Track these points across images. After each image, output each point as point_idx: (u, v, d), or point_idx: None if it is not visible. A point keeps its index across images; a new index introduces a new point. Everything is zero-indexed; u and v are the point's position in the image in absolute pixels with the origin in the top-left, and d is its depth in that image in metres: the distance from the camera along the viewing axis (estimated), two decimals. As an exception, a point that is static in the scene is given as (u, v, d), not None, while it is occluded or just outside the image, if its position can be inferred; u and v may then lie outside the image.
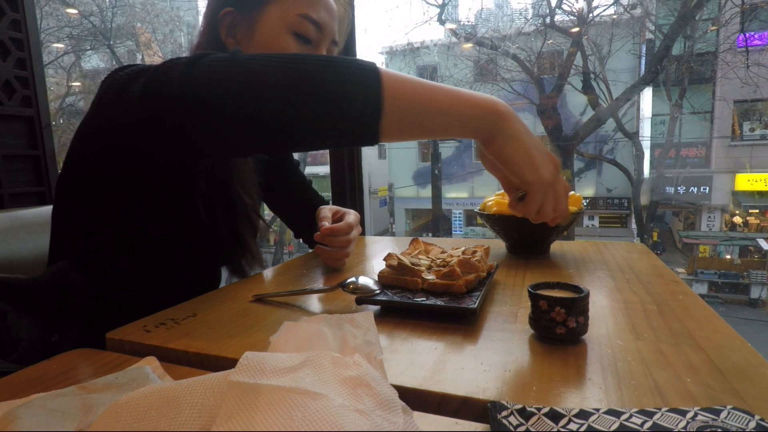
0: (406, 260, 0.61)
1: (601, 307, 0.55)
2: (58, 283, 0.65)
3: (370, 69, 0.46)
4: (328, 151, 1.52)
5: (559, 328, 0.43)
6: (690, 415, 0.30)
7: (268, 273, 0.81)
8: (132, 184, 0.62)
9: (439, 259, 0.66)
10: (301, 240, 1.03)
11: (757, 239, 8.35)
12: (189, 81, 0.47)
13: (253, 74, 0.46)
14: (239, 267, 0.77)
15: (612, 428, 0.29)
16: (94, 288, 0.67)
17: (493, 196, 0.89)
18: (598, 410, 0.31)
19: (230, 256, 0.76)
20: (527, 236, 0.82)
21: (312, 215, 0.90)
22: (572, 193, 0.82)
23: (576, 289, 0.47)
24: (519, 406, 0.32)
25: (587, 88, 7.03)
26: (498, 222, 0.84)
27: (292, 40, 0.67)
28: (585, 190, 10.02)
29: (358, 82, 0.46)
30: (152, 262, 0.68)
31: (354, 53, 1.46)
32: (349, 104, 0.45)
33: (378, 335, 0.45)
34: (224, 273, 0.82)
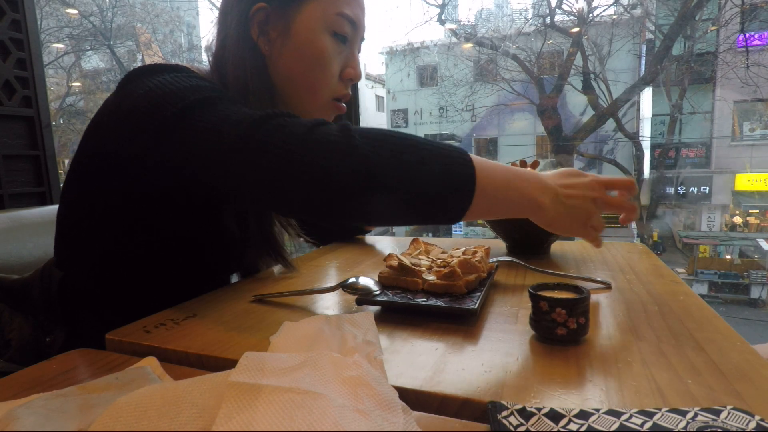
0: (407, 261, 0.61)
1: (602, 307, 0.55)
2: (44, 282, 0.65)
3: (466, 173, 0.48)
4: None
5: (560, 329, 0.43)
6: (690, 415, 0.30)
7: (268, 273, 0.81)
8: (147, 195, 0.61)
9: (439, 259, 0.66)
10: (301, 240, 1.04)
11: (757, 239, 8.35)
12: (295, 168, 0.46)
13: (369, 177, 0.45)
14: (252, 269, 0.77)
15: (612, 428, 0.29)
16: (96, 290, 0.66)
17: None
18: (598, 410, 0.31)
19: (257, 261, 0.76)
20: (528, 237, 0.82)
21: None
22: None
23: (577, 290, 0.47)
24: (519, 407, 0.32)
25: (587, 88, 7.03)
26: (498, 222, 0.84)
27: (330, 40, 0.66)
28: (585, 190, 10.00)
29: (455, 188, 0.48)
30: (161, 266, 0.67)
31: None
32: (443, 210, 0.48)
33: (378, 335, 0.45)
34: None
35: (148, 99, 0.53)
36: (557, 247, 0.92)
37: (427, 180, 0.46)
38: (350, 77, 0.69)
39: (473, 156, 0.50)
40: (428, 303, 0.53)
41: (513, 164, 0.90)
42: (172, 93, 0.52)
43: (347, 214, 0.49)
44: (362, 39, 0.72)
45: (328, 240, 1.06)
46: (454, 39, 8.70)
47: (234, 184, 0.49)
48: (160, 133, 0.51)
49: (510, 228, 0.83)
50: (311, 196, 0.46)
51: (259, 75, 0.65)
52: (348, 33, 0.67)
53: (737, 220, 9.35)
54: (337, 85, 0.68)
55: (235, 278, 0.81)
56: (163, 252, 0.66)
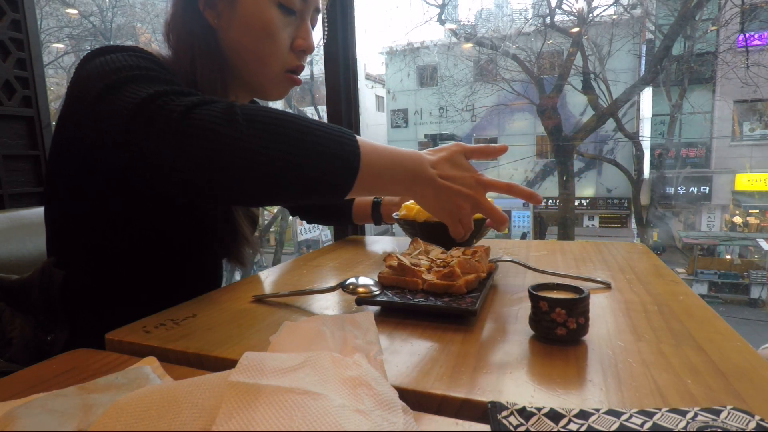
0: (406, 261, 0.61)
1: (602, 307, 0.55)
2: (44, 282, 0.65)
3: (351, 151, 0.50)
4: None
5: (559, 329, 0.43)
6: (690, 415, 0.30)
7: (268, 273, 0.81)
8: (122, 184, 0.62)
9: (439, 259, 0.66)
10: (298, 220, 1.07)
11: (757, 239, 8.35)
12: (182, 144, 0.46)
13: (249, 154, 0.46)
14: (239, 257, 0.76)
15: (612, 428, 0.29)
16: (92, 287, 0.67)
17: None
18: (598, 410, 0.31)
19: (229, 248, 0.75)
20: (437, 239, 0.78)
21: (330, 207, 1.03)
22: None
23: (576, 290, 0.47)
24: (519, 407, 0.32)
25: (587, 88, 7.03)
26: (405, 225, 0.84)
27: (277, 12, 0.65)
28: (585, 190, 10.02)
29: (338, 161, 0.50)
30: (151, 258, 0.68)
31: (354, 53, 1.46)
32: (328, 182, 0.50)
33: (378, 335, 0.45)
34: (224, 274, 0.82)
35: (83, 82, 0.54)
36: (557, 247, 0.92)
37: (311, 161, 0.47)
38: (301, 48, 0.68)
39: (360, 138, 0.52)
40: (428, 303, 0.53)
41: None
42: (99, 74, 0.52)
43: (234, 200, 0.53)
44: (317, 11, 0.71)
45: (313, 220, 1.08)
46: (454, 39, 8.70)
47: (134, 162, 0.49)
48: (85, 114, 0.53)
49: (414, 232, 0.82)
50: (199, 182, 0.47)
51: (207, 47, 0.64)
52: (296, 4, 0.66)
53: (737, 220, 9.35)
54: (288, 56, 0.68)
55: (236, 276, 0.81)
56: (148, 245, 0.66)
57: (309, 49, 0.69)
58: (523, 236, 9.79)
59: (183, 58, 0.64)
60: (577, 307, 0.43)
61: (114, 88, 0.50)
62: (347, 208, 1.04)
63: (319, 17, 0.74)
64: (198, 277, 0.75)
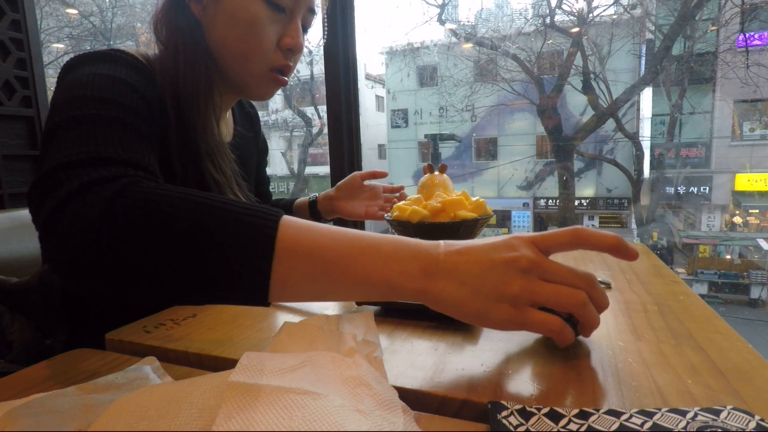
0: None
1: (601, 307, 0.55)
2: (43, 286, 0.65)
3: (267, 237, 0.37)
4: (328, 151, 1.53)
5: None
6: (690, 415, 0.30)
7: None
8: None
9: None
10: None
11: (757, 239, 8.35)
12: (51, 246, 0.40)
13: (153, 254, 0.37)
14: None
15: (612, 428, 0.29)
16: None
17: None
18: (598, 410, 0.31)
19: None
20: (431, 240, 0.78)
21: None
22: (477, 198, 0.82)
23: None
24: (519, 407, 0.32)
25: (587, 88, 7.03)
26: (399, 227, 0.83)
27: (264, 8, 0.62)
28: (585, 190, 10.02)
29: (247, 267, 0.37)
30: None
31: (354, 53, 1.46)
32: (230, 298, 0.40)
33: (378, 335, 0.45)
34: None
35: (51, 104, 0.53)
36: (557, 247, 0.92)
37: (201, 271, 0.37)
38: (288, 46, 0.65)
39: (290, 225, 0.38)
40: (428, 303, 0.53)
41: (428, 167, 0.88)
42: (55, 105, 0.51)
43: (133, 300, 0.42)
44: (311, 11, 0.69)
45: None
46: (454, 39, 8.70)
47: None
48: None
49: (408, 232, 0.81)
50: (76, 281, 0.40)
51: (192, 41, 0.63)
52: (285, 2, 0.64)
53: (737, 220, 9.35)
54: (274, 54, 0.65)
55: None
56: None
57: (297, 48, 0.66)
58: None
59: (168, 53, 0.63)
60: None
61: (47, 136, 0.48)
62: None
63: (318, 18, 0.72)
64: None
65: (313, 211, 0.96)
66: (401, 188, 0.87)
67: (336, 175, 1.47)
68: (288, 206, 1.00)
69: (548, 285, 0.37)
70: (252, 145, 0.89)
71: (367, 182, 0.90)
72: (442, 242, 0.40)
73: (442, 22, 7.61)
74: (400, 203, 0.86)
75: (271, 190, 1.03)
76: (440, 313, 0.39)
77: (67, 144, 0.45)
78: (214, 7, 0.63)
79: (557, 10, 7.10)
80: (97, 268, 0.38)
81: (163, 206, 0.37)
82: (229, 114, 0.82)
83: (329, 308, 0.58)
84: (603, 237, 0.38)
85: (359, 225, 1.47)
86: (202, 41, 0.64)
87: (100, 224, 0.37)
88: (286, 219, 0.38)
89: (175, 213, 0.37)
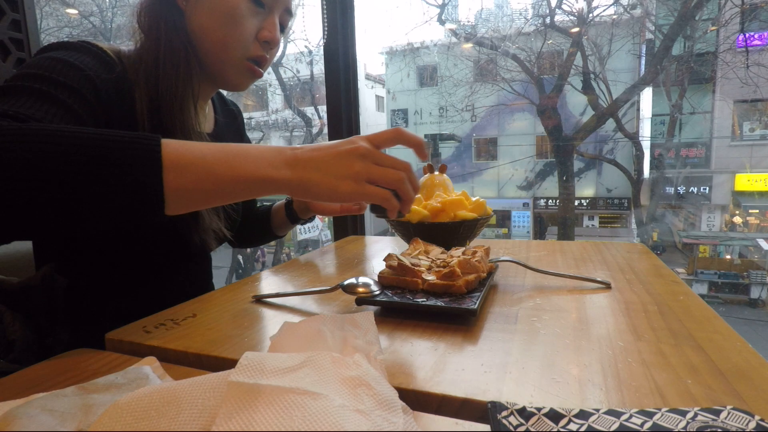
0: (406, 261, 0.61)
1: (602, 307, 0.55)
2: (45, 287, 0.65)
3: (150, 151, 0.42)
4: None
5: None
6: (690, 415, 0.30)
7: (268, 273, 0.81)
8: None
9: (439, 259, 0.66)
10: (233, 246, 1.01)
11: (757, 239, 8.34)
12: None
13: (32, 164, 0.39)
14: (204, 242, 0.72)
15: (612, 428, 0.29)
16: (84, 288, 0.67)
17: None
18: (598, 410, 0.31)
19: (191, 233, 0.70)
20: (431, 240, 0.77)
21: (255, 226, 0.96)
22: (476, 198, 0.82)
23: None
24: (519, 406, 0.32)
25: (587, 88, 7.02)
26: (398, 227, 0.83)
27: (245, 0, 0.65)
28: (585, 190, 10.02)
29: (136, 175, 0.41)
30: (134, 255, 0.68)
31: (354, 53, 1.46)
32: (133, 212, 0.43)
33: (378, 335, 0.45)
34: (224, 272, 0.82)
35: None
36: (557, 247, 0.92)
37: (96, 185, 0.40)
38: (266, 39, 0.68)
39: (170, 142, 0.43)
40: (428, 303, 0.53)
41: (428, 167, 0.89)
42: (9, 77, 0.54)
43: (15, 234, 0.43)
44: (288, 12, 0.72)
45: (244, 244, 1.03)
46: (454, 39, 8.70)
47: None
48: None
49: (408, 232, 0.82)
50: None
51: (174, 29, 0.65)
52: None
53: (737, 220, 9.34)
54: (252, 45, 0.68)
55: (228, 277, 0.81)
56: (122, 237, 0.66)
57: (273, 41, 0.69)
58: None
59: (150, 40, 0.65)
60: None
61: None
62: (267, 223, 0.99)
63: (297, 19, 0.74)
64: (184, 262, 0.75)
65: (289, 211, 0.96)
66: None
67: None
68: (268, 210, 1.00)
69: (380, 168, 0.48)
70: (234, 140, 0.90)
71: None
72: (298, 145, 0.50)
73: (442, 22, 7.61)
74: None
75: None
76: (314, 205, 0.59)
77: None
78: None
79: (557, 10, 7.10)
80: None
81: (40, 139, 0.40)
82: (209, 106, 0.83)
83: (329, 308, 0.58)
84: (413, 137, 0.52)
85: (359, 225, 1.47)
86: (183, 28, 0.66)
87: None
88: (166, 139, 0.44)
89: (56, 146, 0.40)
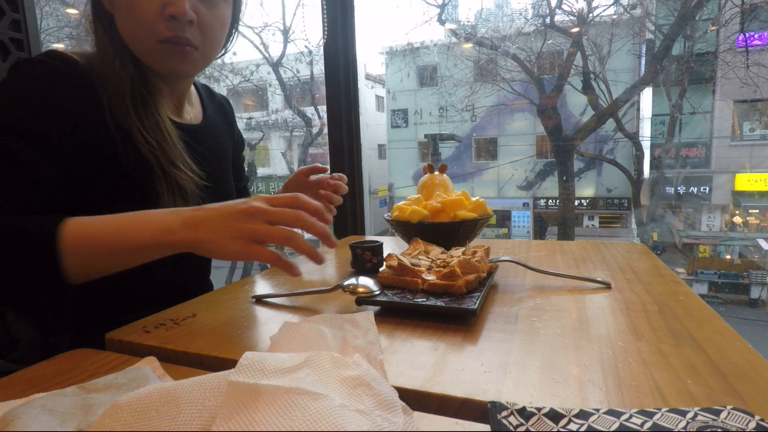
0: (407, 261, 0.61)
1: (602, 307, 0.55)
2: None
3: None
4: (328, 151, 1.53)
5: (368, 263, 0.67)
6: (690, 415, 0.30)
7: (268, 273, 0.81)
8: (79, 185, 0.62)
9: (439, 259, 0.66)
10: None
11: (757, 239, 8.34)
12: None
13: None
14: None
15: (612, 428, 0.29)
16: (85, 288, 0.67)
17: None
18: (598, 410, 0.31)
19: None
20: (431, 240, 0.78)
21: None
22: (476, 198, 0.82)
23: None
24: (519, 406, 0.32)
25: (587, 88, 7.02)
26: (399, 227, 0.83)
27: None
28: (585, 190, 10.01)
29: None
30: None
31: (354, 53, 1.46)
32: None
33: (378, 335, 0.45)
34: (224, 272, 0.82)
35: None
36: (557, 247, 0.92)
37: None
38: (171, 14, 0.63)
39: (70, 226, 0.49)
40: (428, 303, 0.53)
41: (428, 167, 0.88)
42: None
43: None
44: None
45: None
46: (454, 39, 8.69)
47: None
48: None
49: (408, 232, 0.82)
50: None
51: (105, 31, 0.65)
52: None
53: (737, 220, 9.34)
54: (160, 26, 0.63)
55: (228, 277, 0.81)
56: None
57: (178, 13, 0.62)
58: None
59: (95, 46, 0.65)
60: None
61: None
62: None
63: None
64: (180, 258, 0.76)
65: None
66: (342, 177, 0.86)
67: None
68: None
69: (268, 228, 0.48)
70: (226, 133, 0.90)
71: (312, 177, 0.89)
72: (197, 206, 0.52)
73: (442, 22, 7.61)
74: (400, 203, 0.86)
75: (271, 191, 1.03)
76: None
77: None
78: None
79: (557, 10, 7.10)
80: None
81: None
82: (196, 99, 0.82)
83: (329, 308, 0.58)
84: (311, 205, 0.52)
85: (359, 224, 1.47)
86: (110, 30, 0.65)
87: None
88: (68, 222, 0.49)
89: None
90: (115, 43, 0.65)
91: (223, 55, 0.78)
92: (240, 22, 0.77)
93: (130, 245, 0.49)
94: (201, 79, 0.90)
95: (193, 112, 0.80)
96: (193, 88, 0.82)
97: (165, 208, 0.63)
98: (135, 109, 0.64)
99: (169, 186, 0.65)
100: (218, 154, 0.83)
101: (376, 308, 0.56)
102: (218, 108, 0.89)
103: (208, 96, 0.88)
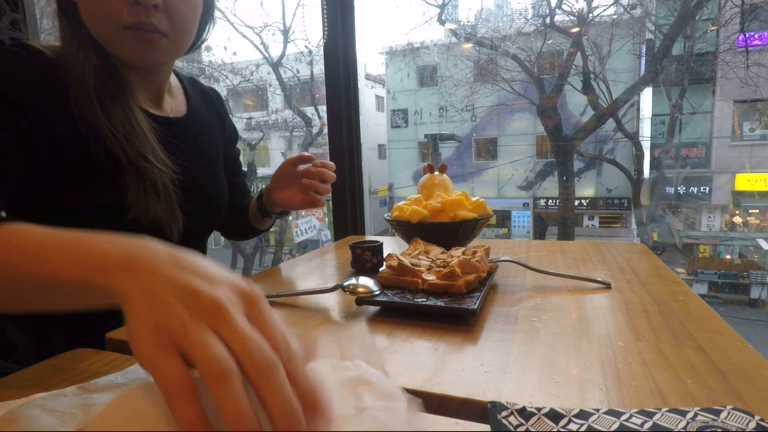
0: (407, 261, 0.61)
1: (602, 307, 0.55)
2: None
3: None
4: (328, 151, 1.52)
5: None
6: (690, 415, 0.30)
7: (268, 273, 0.81)
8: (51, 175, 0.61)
9: (439, 259, 0.66)
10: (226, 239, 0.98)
11: (757, 239, 8.35)
12: None
13: None
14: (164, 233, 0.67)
15: (612, 428, 0.29)
16: None
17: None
18: (598, 410, 0.31)
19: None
20: (431, 240, 0.78)
21: (241, 219, 0.92)
22: (476, 198, 0.82)
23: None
24: (519, 407, 0.32)
25: (587, 88, 7.02)
26: (399, 227, 0.83)
27: None
28: (585, 190, 10.01)
29: None
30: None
31: (354, 53, 1.46)
32: None
33: (375, 345, 0.45)
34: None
35: None
36: (557, 247, 0.92)
37: None
38: None
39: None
40: (428, 303, 0.53)
41: (428, 167, 0.88)
42: None
43: None
44: None
45: (231, 237, 1.02)
46: (454, 39, 8.69)
47: None
48: None
49: (409, 232, 0.82)
50: None
51: (69, 22, 0.63)
52: None
53: (737, 220, 9.34)
54: (122, 12, 0.60)
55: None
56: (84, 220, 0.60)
57: None
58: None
59: (61, 37, 0.64)
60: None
61: None
62: (246, 219, 0.96)
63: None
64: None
65: (260, 206, 0.92)
66: (326, 164, 0.82)
67: (336, 175, 1.47)
68: (249, 203, 0.97)
69: (206, 343, 0.26)
70: (215, 126, 0.87)
71: (301, 167, 0.87)
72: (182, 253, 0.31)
73: (442, 22, 7.61)
74: (399, 203, 0.86)
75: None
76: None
77: None
78: None
79: (557, 10, 7.10)
80: None
81: None
82: (179, 91, 0.80)
83: (329, 308, 0.58)
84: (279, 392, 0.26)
85: (359, 224, 1.47)
86: (74, 20, 0.64)
87: None
88: None
89: None
90: (79, 33, 0.63)
91: (200, 45, 0.75)
92: (216, 9, 0.74)
93: (36, 273, 0.33)
94: (202, 80, 0.89)
95: (174, 105, 0.77)
96: (176, 80, 0.80)
97: (134, 202, 0.62)
98: (101, 102, 0.62)
99: (139, 180, 0.62)
100: (205, 148, 0.80)
101: (376, 308, 0.56)
102: (206, 100, 0.87)
103: (194, 88, 0.85)
